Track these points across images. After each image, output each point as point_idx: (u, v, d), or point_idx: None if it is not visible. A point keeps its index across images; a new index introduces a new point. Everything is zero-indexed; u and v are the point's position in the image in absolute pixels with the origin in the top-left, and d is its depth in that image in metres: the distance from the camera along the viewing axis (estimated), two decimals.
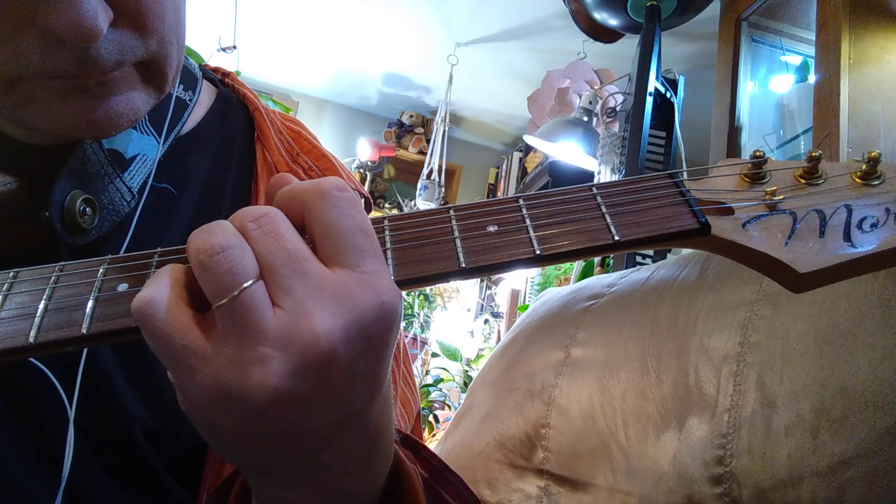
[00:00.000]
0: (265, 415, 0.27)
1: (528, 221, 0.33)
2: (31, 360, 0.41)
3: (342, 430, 0.30)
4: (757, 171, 0.35)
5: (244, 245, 0.28)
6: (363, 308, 0.27)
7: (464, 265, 0.31)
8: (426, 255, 0.31)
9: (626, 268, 1.09)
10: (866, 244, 0.32)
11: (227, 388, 0.26)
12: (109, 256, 0.33)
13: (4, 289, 0.32)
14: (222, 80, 0.62)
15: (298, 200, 0.30)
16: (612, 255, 1.56)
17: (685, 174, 0.35)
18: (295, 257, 0.28)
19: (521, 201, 0.34)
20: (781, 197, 0.34)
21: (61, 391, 0.41)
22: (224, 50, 2.62)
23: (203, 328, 0.28)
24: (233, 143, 0.56)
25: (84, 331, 0.29)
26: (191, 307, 0.28)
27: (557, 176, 2.47)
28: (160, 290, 0.28)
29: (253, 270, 0.27)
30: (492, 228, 0.32)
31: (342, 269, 0.28)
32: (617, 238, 0.32)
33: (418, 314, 3.20)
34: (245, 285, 0.27)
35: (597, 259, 1.74)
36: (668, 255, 1.40)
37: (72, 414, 0.40)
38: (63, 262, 0.33)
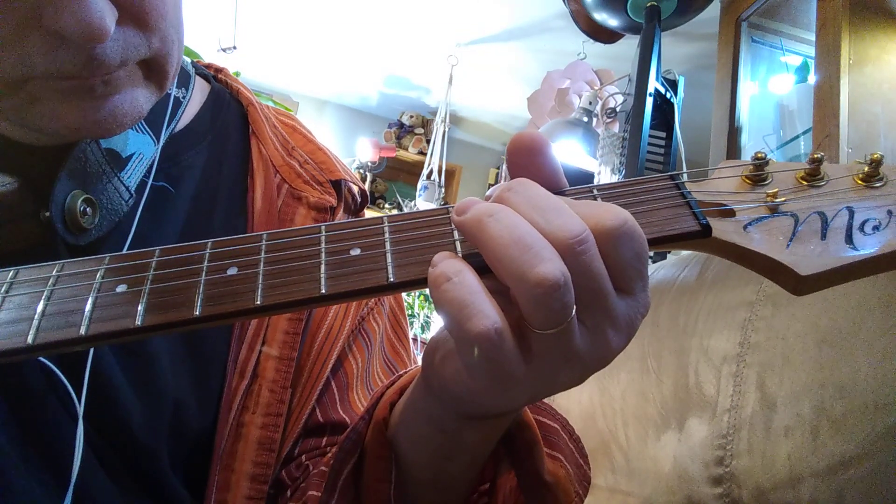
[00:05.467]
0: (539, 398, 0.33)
1: None
2: (41, 358, 0.40)
3: None
4: (758, 173, 0.35)
5: (569, 276, 0.28)
6: (635, 329, 0.31)
7: None
8: (427, 257, 0.31)
9: None
10: (868, 247, 0.32)
11: (533, 399, 0.32)
12: (108, 256, 0.33)
13: (3, 289, 0.31)
14: (215, 77, 0.62)
15: (598, 227, 0.29)
16: None
17: (686, 176, 0.35)
18: (605, 282, 0.29)
19: None
20: (783, 199, 0.34)
21: (69, 387, 0.40)
22: (224, 50, 2.63)
23: (521, 349, 0.29)
24: (227, 138, 0.56)
25: (82, 332, 0.29)
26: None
27: None
28: (497, 316, 0.27)
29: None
30: None
31: (627, 295, 0.30)
32: None
33: (418, 314, 3.20)
34: (572, 316, 0.28)
35: None
36: (668, 256, 1.40)
37: (81, 409, 0.40)
38: (62, 262, 0.32)
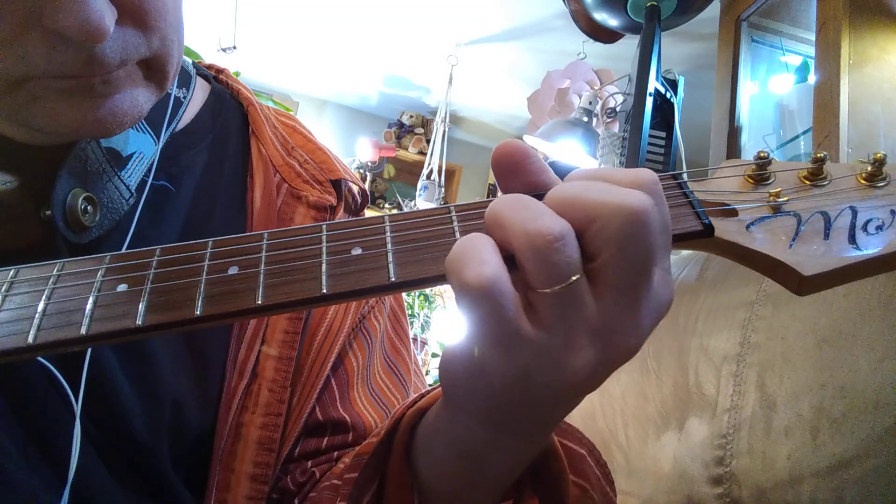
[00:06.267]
0: (559, 393, 0.29)
1: None
2: (39, 358, 0.40)
3: (580, 399, 0.32)
4: (761, 172, 0.35)
5: (572, 231, 0.27)
6: (667, 306, 0.29)
7: None
8: (427, 256, 0.31)
9: None
10: (871, 246, 0.31)
11: (539, 370, 0.28)
12: (109, 255, 0.33)
13: (4, 288, 0.31)
14: (216, 77, 0.62)
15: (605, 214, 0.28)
16: None
17: (687, 175, 0.35)
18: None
19: None
20: (786, 198, 0.34)
21: (66, 386, 0.40)
22: (224, 50, 2.63)
23: (526, 311, 0.28)
24: (227, 138, 0.56)
25: (83, 332, 0.29)
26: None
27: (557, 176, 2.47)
28: (500, 267, 0.27)
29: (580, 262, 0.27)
30: None
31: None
32: None
33: (418, 314, 3.20)
34: (577, 277, 0.27)
35: None
36: None
37: (78, 409, 0.40)
38: (63, 260, 0.32)
